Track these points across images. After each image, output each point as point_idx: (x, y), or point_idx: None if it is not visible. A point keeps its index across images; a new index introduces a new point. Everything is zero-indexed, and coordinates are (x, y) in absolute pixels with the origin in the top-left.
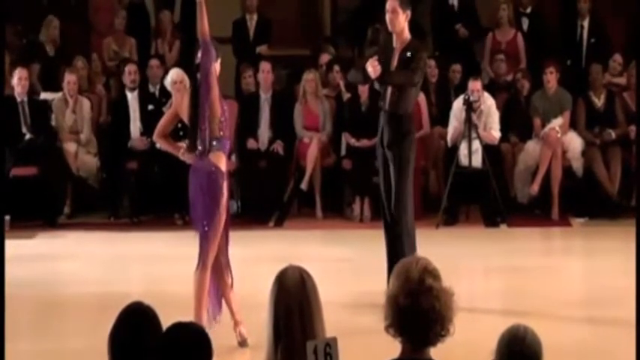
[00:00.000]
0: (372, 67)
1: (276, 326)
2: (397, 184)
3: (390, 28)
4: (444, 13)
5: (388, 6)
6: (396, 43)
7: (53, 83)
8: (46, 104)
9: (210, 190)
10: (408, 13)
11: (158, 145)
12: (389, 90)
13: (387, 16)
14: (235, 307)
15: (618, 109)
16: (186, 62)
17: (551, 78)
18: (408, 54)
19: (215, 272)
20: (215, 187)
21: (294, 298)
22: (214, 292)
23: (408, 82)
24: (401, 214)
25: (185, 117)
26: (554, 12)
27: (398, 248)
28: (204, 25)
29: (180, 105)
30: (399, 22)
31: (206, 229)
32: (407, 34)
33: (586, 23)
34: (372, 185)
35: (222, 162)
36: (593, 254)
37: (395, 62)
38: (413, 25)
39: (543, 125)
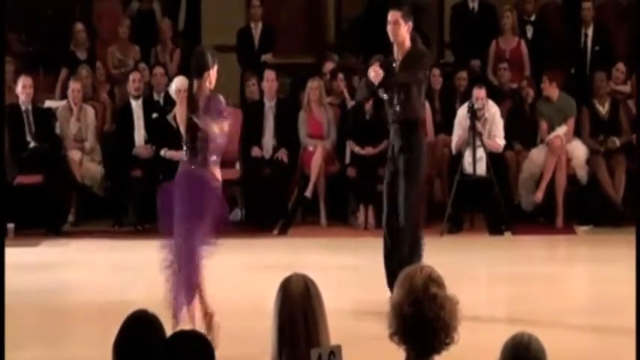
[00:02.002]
0: (374, 72)
1: (280, 334)
2: (406, 193)
3: (391, 38)
4: (464, 17)
5: (390, 17)
6: (397, 54)
7: None
8: (51, 112)
9: (197, 197)
10: (410, 24)
11: (162, 153)
12: (395, 98)
13: (389, 27)
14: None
15: (622, 117)
16: (188, 70)
17: (545, 87)
18: (410, 60)
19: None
20: (202, 194)
21: (298, 306)
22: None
23: (411, 80)
24: (411, 224)
25: (182, 125)
26: (558, 20)
27: (402, 257)
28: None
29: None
30: (401, 33)
31: (186, 236)
32: (408, 45)
33: (590, 31)
34: (377, 193)
35: (211, 172)
36: (598, 262)
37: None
38: (419, 35)
39: (549, 131)
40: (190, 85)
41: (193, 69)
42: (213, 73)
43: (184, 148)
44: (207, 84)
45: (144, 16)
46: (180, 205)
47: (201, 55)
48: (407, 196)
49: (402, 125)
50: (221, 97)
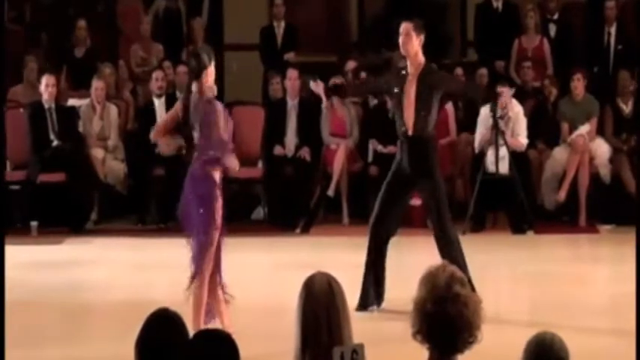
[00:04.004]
0: None
1: (303, 332)
2: (440, 209)
3: (402, 50)
4: (487, 16)
5: (402, 29)
6: (410, 68)
7: (83, 85)
8: (74, 111)
9: (203, 198)
10: (422, 37)
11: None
12: (413, 114)
13: (400, 39)
14: (227, 321)
15: None
16: (217, 70)
17: (578, 85)
18: (434, 77)
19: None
20: (209, 195)
21: (321, 304)
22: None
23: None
24: (450, 233)
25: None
26: (581, 18)
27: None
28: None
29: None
30: (413, 46)
31: (201, 238)
32: (421, 58)
33: (613, 30)
34: None
35: (215, 170)
36: (621, 261)
37: (413, 87)
38: (441, 33)
39: (571, 131)
40: (189, 87)
41: (191, 72)
42: (210, 72)
43: (188, 150)
44: (206, 83)
45: (170, 14)
46: (187, 205)
47: (197, 56)
48: (442, 211)
49: (418, 141)
50: (217, 104)
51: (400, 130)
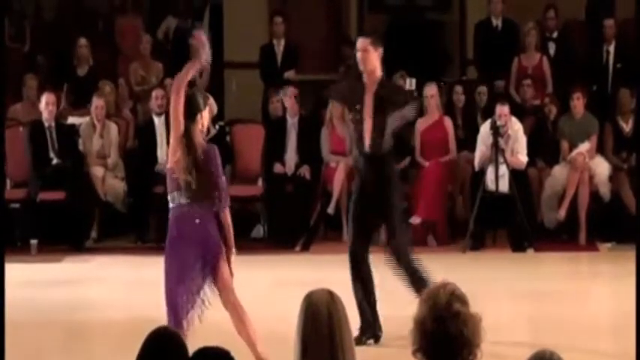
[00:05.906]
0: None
1: (304, 349)
2: (393, 229)
3: (360, 67)
4: (487, 35)
5: (359, 45)
6: (367, 82)
7: (83, 103)
8: (74, 129)
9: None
10: (380, 51)
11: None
12: (370, 130)
13: (358, 55)
14: None
15: None
16: (216, 88)
17: (578, 103)
18: (385, 94)
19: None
20: (215, 246)
21: (322, 313)
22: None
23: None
24: (402, 255)
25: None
26: (580, 37)
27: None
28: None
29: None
30: (371, 61)
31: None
32: (378, 73)
33: (612, 48)
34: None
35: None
36: (621, 279)
37: (369, 101)
38: (440, 51)
39: (570, 149)
40: (186, 129)
41: (186, 113)
42: (205, 115)
43: (183, 193)
44: (200, 126)
45: (180, 33)
46: (194, 259)
47: (193, 97)
48: (395, 232)
49: (373, 159)
50: (214, 151)
51: (358, 146)
